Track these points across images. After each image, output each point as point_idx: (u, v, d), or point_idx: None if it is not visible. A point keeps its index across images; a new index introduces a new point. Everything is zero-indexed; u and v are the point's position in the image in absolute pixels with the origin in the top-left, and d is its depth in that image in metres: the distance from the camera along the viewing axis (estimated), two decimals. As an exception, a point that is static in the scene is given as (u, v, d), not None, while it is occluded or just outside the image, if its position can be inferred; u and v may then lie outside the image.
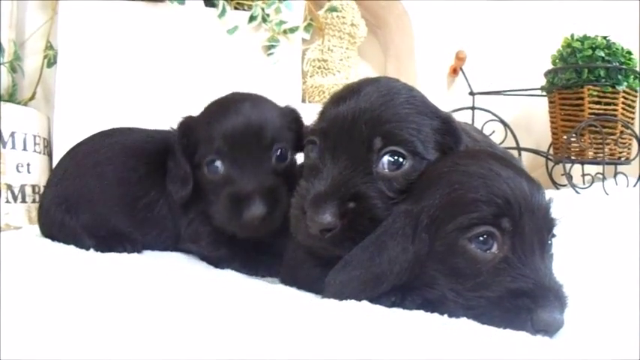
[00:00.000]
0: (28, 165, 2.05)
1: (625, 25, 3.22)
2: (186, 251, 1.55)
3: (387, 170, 0.99)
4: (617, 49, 2.76)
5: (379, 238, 0.94)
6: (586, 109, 2.75)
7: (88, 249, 1.44)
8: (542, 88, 2.99)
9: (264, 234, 1.30)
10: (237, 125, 1.33)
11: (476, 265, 0.86)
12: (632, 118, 2.87)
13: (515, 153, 2.99)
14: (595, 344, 0.86)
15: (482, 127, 2.84)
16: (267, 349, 0.71)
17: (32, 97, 2.33)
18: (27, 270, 1.14)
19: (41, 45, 2.35)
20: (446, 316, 0.86)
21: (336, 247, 0.97)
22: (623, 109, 2.78)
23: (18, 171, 2.02)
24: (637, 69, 2.79)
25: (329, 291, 0.95)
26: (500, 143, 2.89)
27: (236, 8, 2.39)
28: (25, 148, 2.05)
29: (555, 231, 0.93)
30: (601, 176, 2.77)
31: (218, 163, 1.33)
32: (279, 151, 1.35)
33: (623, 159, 2.86)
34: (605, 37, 2.78)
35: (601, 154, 2.76)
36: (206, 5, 2.31)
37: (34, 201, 2.04)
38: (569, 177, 2.75)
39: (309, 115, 1.21)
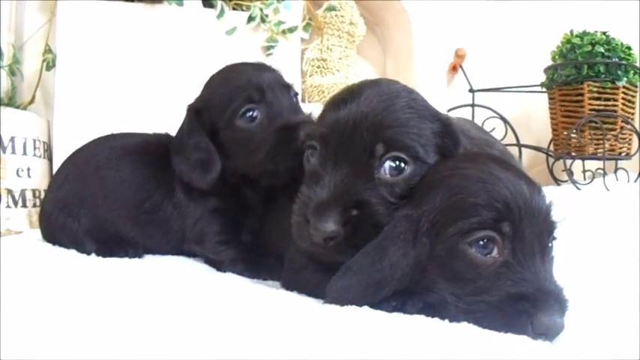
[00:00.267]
0: (29, 169, 2.05)
1: (624, 20, 3.21)
2: (189, 254, 1.56)
3: (388, 176, 0.98)
4: (616, 44, 2.75)
5: (380, 243, 0.94)
6: (586, 105, 2.74)
7: (89, 253, 1.45)
8: (542, 85, 2.98)
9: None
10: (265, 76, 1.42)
11: (476, 270, 0.86)
12: (632, 114, 2.87)
13: (515, 150, 2.99)
14: (595, 344, 0.86)
15: (482, 124, 2.83)
16: (267, 354, 0.71)
17: (32, 101, 2.33)
18: (27, 275, 1.15)
19: (40, 47, 2.34)
20: (447, 320, 0.86)
21: (339, 254, 0.97)
22: (623, 104, 2.77)
23: (18, 175, 2.02)
24: (636, 64, 2.78)
25: (330, 297, 0.95)
26: (501, 140, 2.87)
27: (234, 9, 2.39)
28: (25, 153, 2.05)
29: (556, 233, 0.93)
30: (602, 172, 2.77)
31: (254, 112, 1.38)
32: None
33: (623, 154, 2.85)
34: (604, 33, 2.77)
35: (601, 150, 2.75)
36: (204, 6, 2.31)
37: (34, 205, 2.04)
38: (570, 173, 2.75)
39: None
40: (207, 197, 1.48)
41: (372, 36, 3.09)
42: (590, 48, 2.72)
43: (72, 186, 1.54)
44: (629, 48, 2.78)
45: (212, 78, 1.50)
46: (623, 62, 2.72)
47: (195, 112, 1.45)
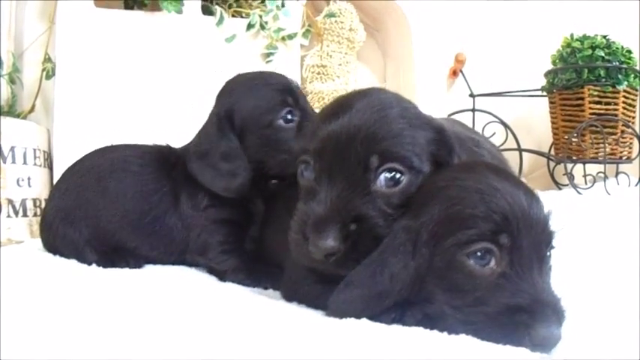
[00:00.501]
0: (29, 179, 2.05)
1: (625, 23, 3.20)
2: (191, 264, 1.56)
3: (385, 188, 0.98)
4: (617, 48, 2.74)
5: (380, 255, 0.94)
6: (587, 109, 2.74)
7: (90, 264, 1.45)
8: (542, 89, 2.98)
9: None
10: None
11: (474, 281, 0.86)
12: (633, 117, 2.87)
13: (516, 154, 2.99)
14: (595, 344, 0.87)
15: (482, 129, 2.84)
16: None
17: (32, 110, 2.33)
18: (27, 284, 1.15)
19: (40, 56, 2.34)
20: (445, 332, 0.86)
21: (340, 269, 0.96)
22: (624, 108, 2.77)
23: (18, 185, 2.02)
24: (637, 68, 2.78)
25: (332, 310, 0.95)
26: (502, 145, 2.89)
27: (234, 16, 2.39)
28: (25, 162, 2.05)
29: (554, 243, 0.93)
30: (602, 176, 2.77)
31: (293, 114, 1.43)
32: None
33: (624, 158, 2.85)
34: (604, 37, 2.77)
35: (602, 154, 2.75)
36: (204, 13, 2.31)
37: (35, 215, 2.04)
38: (571, 177, 2.75)
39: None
40: (213, 207, 1.48)
41: (372, 41, 3.09)
42: (590, 52, 2.72)
43: (73, 196, 1.54)
44: (629, 51, 2.78)
45: (235, 84, 1.52)
46: (624, 66, 2.71)
47: (226, 117, 1.46)
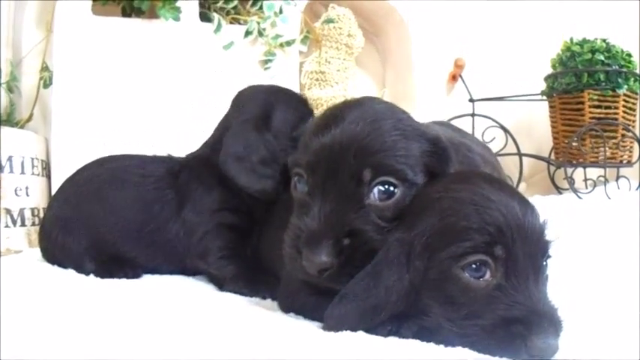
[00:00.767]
0: (27, 188, 2.05)
1: (625, 27, 3.19)
2: (189, 273, 1.56)
3: (378, 201, 0.97)
4: (616, 51, 2.73)
5: (375, 268, 0.94)
6: (587, 113, 2.73)
7: (87, 274, 1.45)
8: (542, 93, 2.97)
9: None
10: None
11: (469, 294, 0.86)
12: (633, 121, 2.85)
13: (516, 159, 2.98)
14: (595, 345, 0.88)
15: (482, 134, 2.83)
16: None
17: (29, 119, 2.33)
18: (24, 296, 1.15)
19: (38, 64, 2.34)
20: (442, 345, 0.86)
21: (334, 283, 0.96)
22: (624, 112, 2.76)
23: (17, 195, 2.01)
24: (637, 71, 2.77)
25: (327, 325, 0.95)
26: (501, 149, 2.88)
27: (231, 23, 2.39)
28: (23, 172, 2.05)
29: (550, 252, 0.92)
30: (603, 180, 2.76)
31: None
32: None
33: (624, 162, 2.84)
34: (604, 40, 2.76)
35: (603, 158, 2.74)
36: (201, 21, 2.31)
37: (33, 224, 2.04)
38: (571, 181, 2.74)
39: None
40: (221, 211, 1.48)
41: (371, 47, 3.08)
42: (590, 56, 2.71)
43: (72, 205, 1.55)
44: (629, 55, 2.77)
45: (265, 94, 1.53)
46: (624, 70, 2.70)
47: (264, 122, 1.47)
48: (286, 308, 1.15)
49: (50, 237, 1.54)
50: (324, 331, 0.94)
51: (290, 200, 1.11)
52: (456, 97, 3.21)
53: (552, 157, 3.05)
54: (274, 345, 0.85)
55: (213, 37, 2.30)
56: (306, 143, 1.04)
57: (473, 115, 3.06)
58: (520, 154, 3.00)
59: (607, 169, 2.79)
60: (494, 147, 2.48)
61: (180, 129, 2.20)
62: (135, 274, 1.49)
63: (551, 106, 2.96)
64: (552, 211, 2.19)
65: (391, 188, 0.97)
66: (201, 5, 2.33)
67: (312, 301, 1.05)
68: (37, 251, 1.66)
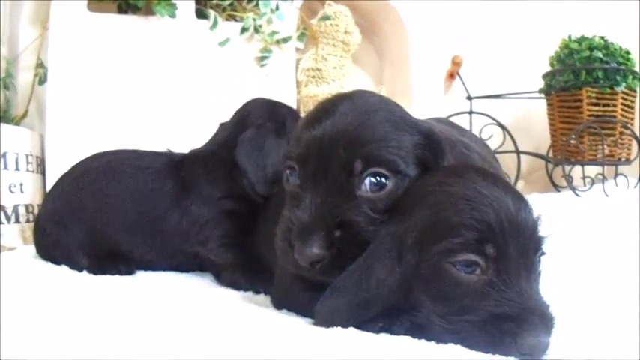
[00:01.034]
0: (21, 185, 2.04)
1: (624, 24, 3.18)
2: (182, 269, 1.58)
3: (370, 193, 0.96)
4: (614, 49, 2.73)
5: (366, 261, 0.93)
6: (584, 110, 2.73)
7: (81, 270, 1.45)
8: (540, 91, 2.97)
9: None
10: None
11: (460, 289, 0.85)
12: (632, 119, 2.85)
13: (514, 156, 2.98)
14: (595, 345, 0.87)
15: (480, 132, 2.82)
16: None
17: (24, 115, 2.32)
18: (20, 294, 1.14)
19: (34, 61, 2.33)
20: (433, 341, 0.85)
21: (326, 276, 0.95)
22: (622, 109, 2.76)
23: (11, 191, 2.00)
24: (635, 69, 2.76)
25: (319, 318, 0.94)
26: (499, 147, 2.88)
27: (227, 20, 2.38)
28: (17, 168, 2.04)
29: (544, 248, 0.92)
30: (601, 178, 2.76)
31: None
32: None
33: (623, 160, 2.84)
34: (602, 38, 2.76)
35: (601, 156, 2.74)
36: (197, 17, 2.30)
37: (28, 221, 2.03)
38: (569, 179, 2.73)
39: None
40: (222, 199, 1.51)
41: (368, 44, 3.08)
42: (588, 53, 2.71)
43: (67, 199, 1.55)
44: (627, 52, 2.77)
45: (280, 103, 1.63)
46: (622, 67, 2.70)
47: (283, 127, 1.54)
48: (279, 304, 1.15)
49: (45, 232, 1.54)
50: (316, 326, 0.93)
51: (282, 196, 1.10)
52: (453, 94, 3.20)
53: (550, 154, 3.05)
54: (265, 342, 0.84)
55: (209, 33, 2.29)
56: (297, 136, 1.03)
57: (470, 112, 3.06)
58: (518, 152, 2.99)
59: (605, 166, 2.79)
60: (492, 145, 2.47)
61: (176, 125, 2.20)
62: (129, 270, 1.50)
63: (549, 104, 2.96)
64: (550, 209, 2.20)
65: (382, 180, 0.96)
66: (197, 2, 2.32)
67: (305, 297, 1.04)
68: (31, 248, 1.66)
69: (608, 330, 0.95)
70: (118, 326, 0.90)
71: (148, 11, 2.25)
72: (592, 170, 2.84)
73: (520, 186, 3.10)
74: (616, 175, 2.83)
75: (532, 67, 3.00)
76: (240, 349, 0.79)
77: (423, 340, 0.86)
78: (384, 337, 0.88)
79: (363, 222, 0.95)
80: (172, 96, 2.23)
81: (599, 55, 2.70)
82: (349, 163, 0.95)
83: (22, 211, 2.03)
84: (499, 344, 0.81)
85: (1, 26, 2.35)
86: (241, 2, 2.42)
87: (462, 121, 2.84)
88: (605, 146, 2.72)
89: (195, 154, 1.61)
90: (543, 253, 0.92)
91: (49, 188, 1.69)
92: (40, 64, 2.28)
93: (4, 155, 2.01)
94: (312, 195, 0.96)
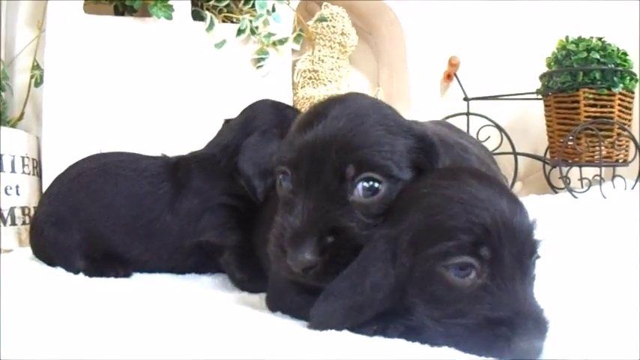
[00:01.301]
0: (17, 187, 2.03)
1: (622, 25, 3.18)
2: (177, 272, 1.58)
3: (362, 198, 0.96)
4: (612, 50, 2.73)
5: (360, 264, 0.92)
6: (582, 112, 2.73)
7: (77, 272, 1.45)
8: (537, 92, 2.96)
9: None
10: None
11: (454, 293, 0.85)
12: (629, 120, 2.85)
13: (511, 158, 2.97)
14: (595, 345, 0.87)
15: (477, 133, 2.83)
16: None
17: (21, 117, 2.31)
18: (17, 296, 1.14)
19: (30, 63, 2.32)
20: (427, 345, 0.85)
21: (319, 281, 0.95)
22: (620, 111, 2.75)
23: (7, 193, 2.00)
24: (633, 70, 2.76)
25: (313, 322, 0.94)
26: (496, 148, 2.87)
27: (224, 21, 2.38)
28: (13, 170, 2.03)
29: (539, 252, 0.91)
30: (599, 179, 2.75)
31: None
32: None
33: (620, 161, 2.83)
34: (600, 39, 2.76)
35: (598, 157, 2.74)
36: (194, 19, 2.30)
37: (24, 223, 2.02)
38: (567, 180, 2.73)
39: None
40: (221, 195, 1.52)
41: (365, 45, 3.07)
42: (585, 54, 2.70)
43: (64, 200, 1.55)
44: (625, 54, 2.76)
45: (280, 106, 1.64)
46: (619, 68, 2.70)
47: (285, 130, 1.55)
48: (274, 307, 1.14)
49: (41, 234, 1.54)
50: (310, 330, 0.93)
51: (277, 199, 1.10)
52: (450, 95, 3.20)
53: (548, 156, 3.04)
54: (259, 345, 0.84)
55: (206, 35, 2.29)
56: (289, 140, 1.02)
57: (467, 114, 3.05)
58: (515, 154, 2.99)
59: (603, 168, 2.78)
60: (489, 146, 2.46)
61: (173, 127, 2.19)
62: (125, 273, 1.49)
63: (546, 105, 2.96)
64: (548, 211, 2.20)
65: (375, 184, 0.96)
66: (194, 4, 2.32)
67: (299, 300, 1.04)
68: (27, 250, 1.65)
69: (607, 331, 0.95)
70: (115, 327, 0.90)
71: (145, 13, 2.25)
72: (589, 172, 2.83)
73: (517, 187, 3.10)
74: (614, 176, 2.82)
75: (529, 69, 2.99)
76: (235, 351, 0.79)
77: (417, 343, 0.86)
78: (378, 340, 0.88)
79: (355, 227, 0.95)
80: (169, 98, 2.23)
81: (597, 56, 2.69)
82: (341, 168, 0.95)
83: (18, 213, 2.02)
84: (492, 348, 0.81)
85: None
86: (237, 4, 2.41)
87: (459, 123, 2.84)
88: (602, 148, 2.71)
89: (193, 156, 1.61)
90: (538, 257, 0.91)
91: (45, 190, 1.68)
92: (37, 66, 2.28)
93: (0, 157, 2.00)
94: (305, 200, 0.96)
